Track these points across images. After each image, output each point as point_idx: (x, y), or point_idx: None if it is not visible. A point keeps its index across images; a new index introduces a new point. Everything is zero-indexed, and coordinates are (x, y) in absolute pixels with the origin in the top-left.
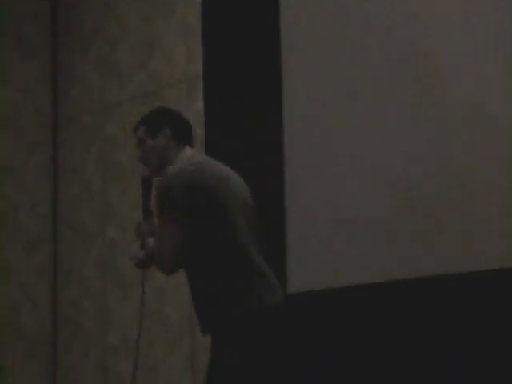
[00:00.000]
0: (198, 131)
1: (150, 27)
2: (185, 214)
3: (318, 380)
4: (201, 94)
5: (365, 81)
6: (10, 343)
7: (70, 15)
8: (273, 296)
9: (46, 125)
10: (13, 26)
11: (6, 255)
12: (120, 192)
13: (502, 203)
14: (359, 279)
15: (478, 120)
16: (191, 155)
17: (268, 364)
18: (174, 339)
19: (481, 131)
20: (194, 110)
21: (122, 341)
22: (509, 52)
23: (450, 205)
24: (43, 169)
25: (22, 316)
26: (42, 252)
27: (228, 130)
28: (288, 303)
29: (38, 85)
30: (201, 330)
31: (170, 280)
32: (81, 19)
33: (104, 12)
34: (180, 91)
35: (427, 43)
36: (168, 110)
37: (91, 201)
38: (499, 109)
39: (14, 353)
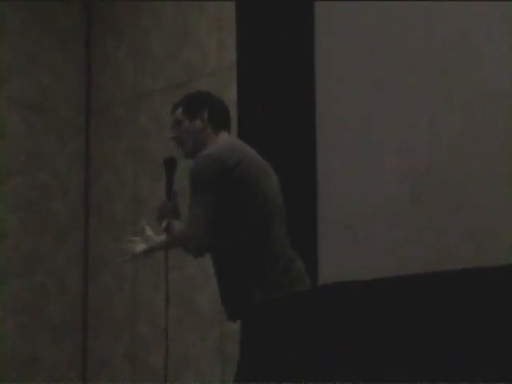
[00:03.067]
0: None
1: (184, 18)
2: (218, 196)
3: (344, 368)
4: (233, 84)
5: (392, 70)
6: (41, 330)
7: (104, 4)
8: (302, 285)
9: (79, 113)
10: (48, 14)
11: (37, 242)
12: (151, 181)
13: None
14: (387, 271)
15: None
16: (228, 140)
17: (295, 351)
18: (204, 328)
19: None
20: (227, 101)
21: (152, 330)
22: None
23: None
24: (75, 157)
25: (53, 303)
26: (73, 240)
27: (261, 120)
28: (318, 293)
29: (71, 73)
30: (228, 317)
31: (200, 269)
32: (115, 9)
33: (138, 2)
34: (212, 82)
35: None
36: (208, 94)
37: (122, 190)
38: None
39: (44, 340)
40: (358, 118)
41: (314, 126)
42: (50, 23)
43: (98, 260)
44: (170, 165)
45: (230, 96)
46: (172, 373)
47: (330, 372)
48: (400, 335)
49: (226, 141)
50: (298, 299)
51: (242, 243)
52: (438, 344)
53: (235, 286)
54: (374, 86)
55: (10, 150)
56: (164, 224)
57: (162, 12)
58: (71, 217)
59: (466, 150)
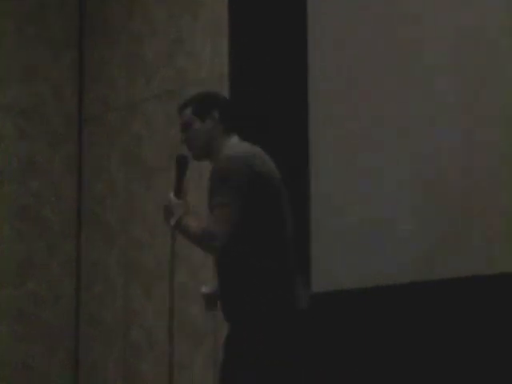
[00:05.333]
0: None
1: (177, 24)
2: (244, 198)
3: (339, 379)
4: (226, 92)
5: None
6: (33, 338)
7: (97, 12)
8: (306, 298)
9: (72, 120)
10: (41, 23)
11: (30, 250)
12: (145, 189)
13: None
14: (383, 280)
15: None
16: (245, 143)
17: (294, 363)
18: (197, 337)
19: None
20: None
21: (145, 338)
22: None
23: (480, 203)
24: (68, 164)
25: (46, 311)
26: (65, 247)
27: (253, 128)
28: (312, 303)
29: (64, 81)
30: (228, 318)
31: (193, 279)
32: (108, 15)
33: (131, 8)
34: (206, 89)
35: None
36: (217, 93)
37: (115, 197)
38: None
39: (36, 348)
40: (354, 125)
41: (307, 135)
42: (43, 31)
43: (91, 268)
44: (183, 162)
45: None
46: (164, 380)
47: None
48: (397, 344)
49: (243, 144)
50: (303, 313)
51: (258, 248)
52: (436, 353)
53: (244, 289)
54: (371, 97)
55: (3, 157)
56: (173, 221)
57: (154, 19)
58: (64, 224)
59: (466, 160)
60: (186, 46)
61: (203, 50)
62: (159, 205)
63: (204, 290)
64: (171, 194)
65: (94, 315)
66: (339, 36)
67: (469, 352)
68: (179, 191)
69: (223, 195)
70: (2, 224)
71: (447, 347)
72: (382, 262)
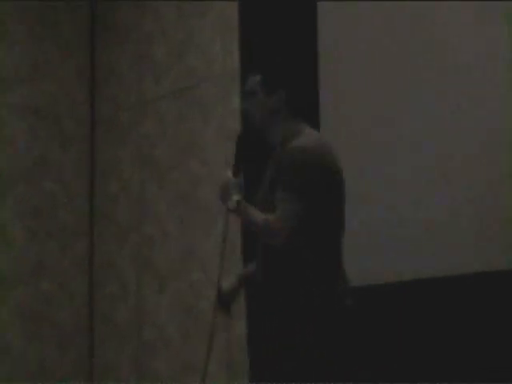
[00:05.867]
0: (235, 127)
1: (187, 23)
2: (314, 196)
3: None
4: (238, 89)
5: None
6: (47, 337)
7: (107, 11)
8: (349, 294)
9: (84, 120)
10: (52, 23)
11: (43, 249)
12: (157, 188)
13: None
14: (407, 276)
15: None
16: (314, 132)
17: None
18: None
19: None
20: (231, 106)
21: (157, 337)
22: None
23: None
24: (80, 164)
25: (59, 310)
26: (78, 247)
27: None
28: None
29: (75, 80)
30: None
31: (206, 275)
32: (118, 15)
33: (141, 8)
34: (217, 87)
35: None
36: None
37: (127, 197)
38: None
39: (50, 347)
40: (363, 124)
41: (318, 130)
42: (54, 31)
43: (104, 267)
44: (242, 141)
45: (235, 100)
46: (177, 379)
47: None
48: (402, 340)
49: (316, 136)
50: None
51: (315, 241)
52: (440, 348)
53: (288, 282)
54: (378, 100)
55: (15, 157)
56: (232, 203)
57: (164, 18)
58: (77, 224)
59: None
60: (195, 43)
61: (213, 47)
62: (171, 203)
63: (224, 285)
64: (229, 173)
65: (107, 314)
66: (348, 34)
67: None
68: (237, 171)
69: (295, 190)
70: (15, 224)
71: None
72: (392, 259)
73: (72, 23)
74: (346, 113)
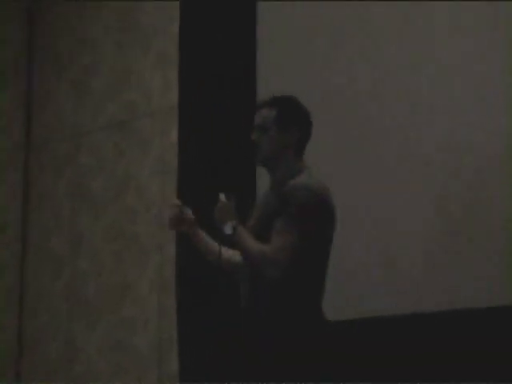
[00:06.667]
0: (173, 161)
1: (127, 56)
2: (312, 233)
3: None
4: (176, 125)
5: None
6: None
7: (46, 41)
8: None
9: (19, 149)
10: None
11: None
12: (92, 221)
13: None
14: (396, 309)
15: None
16: (320, 181)
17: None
18: (141, 370)
19: None
20: (169, 141)
21: (87, 371)
22: None
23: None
24: (13, 193)
25: None
26: (9, 277)
27: (203, 162)
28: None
29: (11, 109)
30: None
31: (139, 311)
32: (57, 45)
33: (80, 39)
34: (155, 122)
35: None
36: (303, 109)
37: (61, 228)
38: None
39: None
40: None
41: (255, 167)
42: None
43: (34, 298)
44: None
45: (172, 136)
46: None
47: None
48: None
49: (317, 178)
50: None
51: (307, 275)
52: None
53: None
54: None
55: None
56: (229, 228)
57: (104, 50)
58: (8, 254)
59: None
60: (135, 77)
61: (153, 82)
62: (106, 237)
63: (222, 197)
64: (223, 197)
65: (37, 346)
66: (288, 72)
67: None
68: (230, 196)
69: (296, 224)
70: None
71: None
72: (382, 292)
73: (10, 50)
74: None
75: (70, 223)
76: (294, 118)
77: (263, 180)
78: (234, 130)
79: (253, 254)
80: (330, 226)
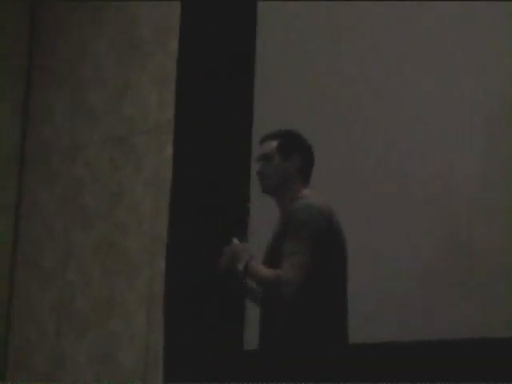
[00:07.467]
0: (167, 177)
1: (125, 72)
2: (319, 250)
3: None
4: (171, 141)
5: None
6: None
7: (45, 54)
8: None
9: (13, 161)
10: None
11: None
12: (82, 235)
13: None
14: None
15: None
16: (323, 199)
17: None
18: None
19: None
20: (164, 158)
21: (73, 383)
22: None
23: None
24: (6, 206)
25: None
26: None
27: (197, 179)
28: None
29: (7, 120)
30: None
31: (126, 326)
32: (56, 59)
33: (80, 53)
34: (150, 138)
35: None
36: (304, 140)
37: (52, 241)
38: None
39: None
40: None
41: (249, 184)
42: None
43: (23, 310)
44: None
45: (167, 152)
46: None
47: None
48: None
49: (321, 198)
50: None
51: (317, 300)
52: None
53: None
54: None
55: None
56: (241, 266)
57: (102, 65)
58: None
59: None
60: (132, 93)
61: (150, 99)
62: (97, 250)
63: (235, 241)
64: (235, 240)
65: (23, 360)
66: (286, 88)
67: None
68: (243, 237)
69: (302, 241)
70: None
71: None
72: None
73: (8, 62)
74: None
75: (61, 236)
76: (295, 145)
77: (258, 200)
78: (230, 148)
79: (269, 280)
80: (338, 245)
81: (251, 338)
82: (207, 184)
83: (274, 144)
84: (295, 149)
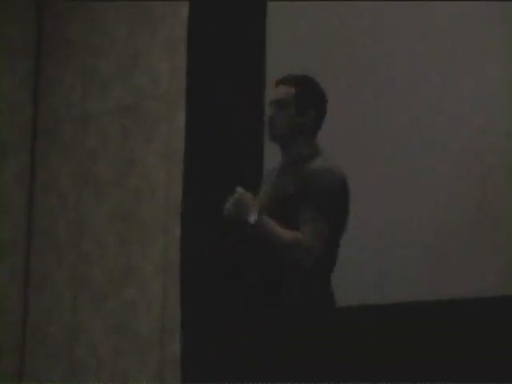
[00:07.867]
0: (180, 145)
1: (136, 40)
2: (338, 215)
3: None
4: (182, 109)
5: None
6: None
7: (55, 23)
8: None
9: (25, 132)
10: None
11: None
12: (96, 204)
13: None
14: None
15: None
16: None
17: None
18: (144, 354)
19: None
20: (175, 126)
21: (90, 354)
22: None
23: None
24: (19, 176)
25: None
26: (14, 260)
27: (209, 146)
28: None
29: (18, 91)
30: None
31: (142, 294)
32: (66, 27)
33: (90, 22)
34: (162, 106)
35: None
36: (320, 89)
37: (66, 211)
38: None
39: None
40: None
41: (263, 150)
42: None
43: (39, 282)
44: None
45: (179, 120)
46: None
47: None
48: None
49: (338, 166)
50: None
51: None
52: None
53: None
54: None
55: None
56: (253, 218)
57: (113, 33)
58: (13, 238)
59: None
60: (143, 61)
61: (160, 66)
62: (110, 219)
63: (239, 189)
64: (240, 189)
65: (40, 330)
66: (298, 57)
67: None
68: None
69: (325, 211)
70: None
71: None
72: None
73: (18, 34)
74: None
75: (74, 206)
76: (312, 98)
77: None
78: (242, 115)
79: (286, 242)
80: (347, 211)
81: None
82: (220, 152)
83: (291, 92)
84: (312, 102)
